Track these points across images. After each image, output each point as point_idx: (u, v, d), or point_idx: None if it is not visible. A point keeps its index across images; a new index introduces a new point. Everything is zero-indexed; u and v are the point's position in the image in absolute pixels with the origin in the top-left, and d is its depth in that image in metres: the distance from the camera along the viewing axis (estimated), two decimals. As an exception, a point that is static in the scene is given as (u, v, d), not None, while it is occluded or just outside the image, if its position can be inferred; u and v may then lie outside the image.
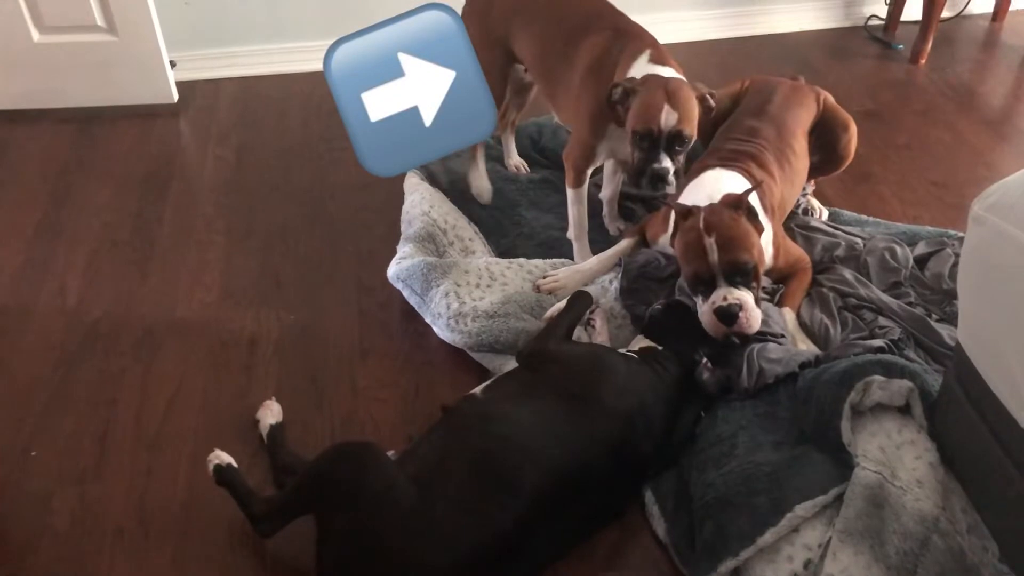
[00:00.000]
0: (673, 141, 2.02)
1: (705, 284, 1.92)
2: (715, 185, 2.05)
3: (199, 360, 2.14)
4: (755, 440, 1.77)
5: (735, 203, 1.95)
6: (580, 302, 2.01)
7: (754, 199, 2.02)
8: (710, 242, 1.88)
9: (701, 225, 1.91)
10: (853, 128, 2.37)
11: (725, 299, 1.88)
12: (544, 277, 2.22)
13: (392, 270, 2.27)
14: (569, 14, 2.29)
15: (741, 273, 1.90)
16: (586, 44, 2.21)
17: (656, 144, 2.02)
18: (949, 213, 2.53)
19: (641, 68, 2.09)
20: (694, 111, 2.03)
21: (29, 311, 2.30)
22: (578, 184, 2.28)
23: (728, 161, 2.15)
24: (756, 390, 1.87)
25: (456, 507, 1.54)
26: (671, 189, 2.06)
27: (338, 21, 3.19)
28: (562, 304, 2.02)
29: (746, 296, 1.90)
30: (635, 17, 2.25)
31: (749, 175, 2.11)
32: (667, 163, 2.03)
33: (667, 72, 2.07)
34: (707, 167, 2.15)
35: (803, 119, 2.33)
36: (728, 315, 1.88)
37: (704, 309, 1.92)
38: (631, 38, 2.16)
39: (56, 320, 2.27)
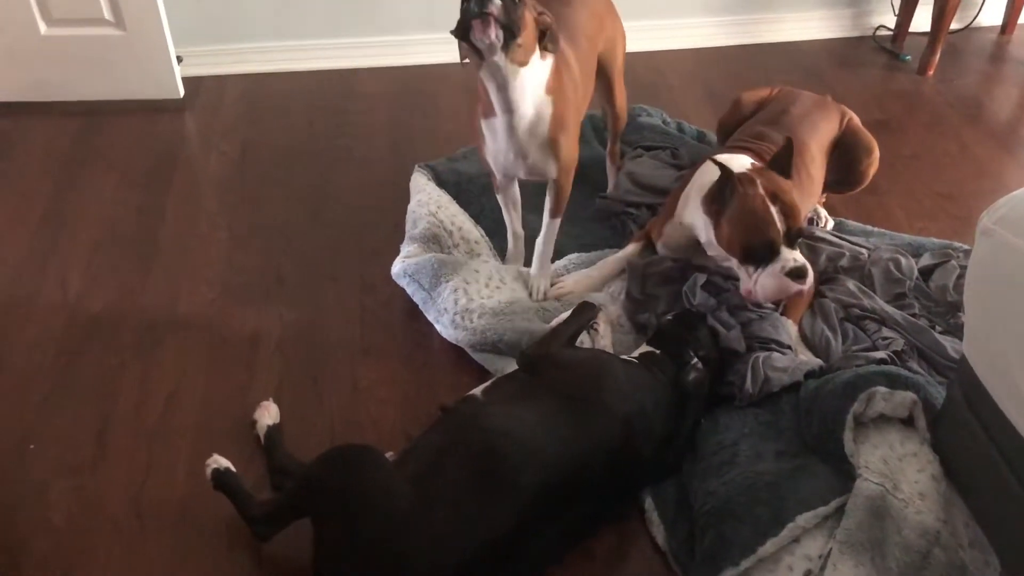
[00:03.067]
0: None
1: (765, 253, 1.92)
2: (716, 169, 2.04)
3: (199, 356, 2.14)
4: (757, 449, 1.76)
5: (780, 166, 1.97)
6: (585, 313, 2.00)
7: None
8: (775, 210, 1.90)
9: (762, 192, 1.91)
10: (876, 153, 2.35)
11: (796, 260, 1.91)
12: (552, 283, 2.22)
13: (397, 267, 2.26)
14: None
15: (799, 236, 1.95)
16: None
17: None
18: (954, 225, 2.52)
19: None
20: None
21: (30, 303, 2.29)
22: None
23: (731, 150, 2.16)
24: (760, 398, 1.87)
25: (453, 509, 1.53)
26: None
27: (345, 20, 3.21)
28: (567, 314, 2.01)
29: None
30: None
31: (756, 156, 2.12)
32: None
33: None
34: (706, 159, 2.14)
35: (822, 134, 2.30)
36: (803, 273, 1.91)
37: (768, 274, 1.91)
38: None
39: (57, 313, 2.26)
